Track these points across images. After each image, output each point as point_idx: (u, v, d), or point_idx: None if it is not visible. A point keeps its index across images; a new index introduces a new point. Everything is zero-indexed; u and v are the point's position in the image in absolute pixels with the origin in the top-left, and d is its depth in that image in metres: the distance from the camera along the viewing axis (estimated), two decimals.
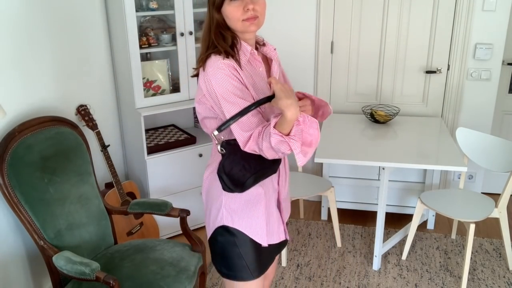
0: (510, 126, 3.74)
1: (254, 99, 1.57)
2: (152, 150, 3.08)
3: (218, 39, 1.60)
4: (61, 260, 2.04)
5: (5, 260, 2.31)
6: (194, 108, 3.52)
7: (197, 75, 1.69)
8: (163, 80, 3.15)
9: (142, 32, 3.05)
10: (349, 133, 3.07)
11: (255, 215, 1.68)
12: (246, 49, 1.64)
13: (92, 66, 3.01)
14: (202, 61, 1.61)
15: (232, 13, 1.56)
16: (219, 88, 1.55)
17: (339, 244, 3.23)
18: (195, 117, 3.58)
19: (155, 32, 3.09)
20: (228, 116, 1.53)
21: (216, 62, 1.56)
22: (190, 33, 3.04)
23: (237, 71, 1.58)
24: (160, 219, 3.15)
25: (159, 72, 3.14)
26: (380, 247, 2.93)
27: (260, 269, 1.72)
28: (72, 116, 2.81)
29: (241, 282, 1.71)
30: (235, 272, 1.70)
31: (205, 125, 1.70)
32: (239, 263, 1.68)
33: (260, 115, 1.57)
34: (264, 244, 1.70)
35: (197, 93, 1.66)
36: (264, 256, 1.74)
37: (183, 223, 2.41)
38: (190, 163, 3.20)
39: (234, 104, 1.53)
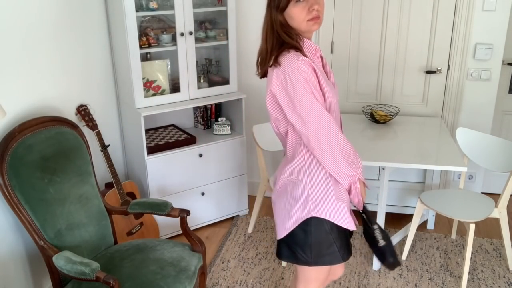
0: (510, 126, 3.74)
1: (323, 98, 1.73)
2: (152, 150, 3.08)
3: (286, 37, 1.73)
4: (61, 260, 2.04)
5: (5, 260, 2.31)
6: (194, 108, 3.54)
7: (265, 75, 1.82)
8: (163, 80, 3.15)
9: (142, 32, 3.05)
10: (349, 133, 3.07)
11: (339, 204, 1.80)
12: (310, 45, 1.79)
13: (92, 66, 3.01)
14: (274, 60, 1.73)
15: (297, 14, 1.69)
16: (300, 89, 1.68)
17: None
18: (195, 117, 3.58)
19: (155, 32, 3.09)
20: (296, 118, 1.71)
21: (294, 58, 1.68)
22: (190, 33, 3.04)
23: (314, 68, 1.71)
24: (160, 219, 3.16)
25: (159, 72, 3.14)
26: None
27: (349, 252, 1.89)
28: (72, 116, 2.81)
29: (326, 266, 1.89)
30: (323, 258, 1.83)
31: (277, 126, 1.84)
32: (330, 249, 1.82)
33: None
34: (352, 228, 1.85)
35: (269, 94, 1.78)
36: (348, 240, 1.91)
37: (183, 223, 2.41)
38: (190, 163, 3.20)
39: (313, 110, 1.69)
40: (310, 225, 1.80)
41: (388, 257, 1.91)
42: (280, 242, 1.89)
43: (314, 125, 1.71)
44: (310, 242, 1.81)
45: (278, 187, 1.87)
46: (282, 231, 1.85)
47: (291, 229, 1.82)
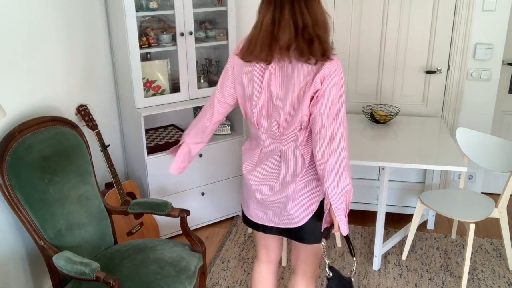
0: (510, 126, 3.75)
1: None
2: (152, 150, 3.08)
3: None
4: (61, 260, 2.04)
5: (5, 260, 2.31)
6: (194, 108, 3.54)
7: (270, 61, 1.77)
8: (163, 80, 3.15)
9: (142, 32, 3.05)
10: (349, 133, 3.07)
11: None
12: None
13: (92, 66, 3.01)
14: (327, 53, 1.70)
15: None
16: (341, 93, 1.75)
17: (339, 244, 3.23)
18: (195, 117, 3.57)
19: (155, 32, 3.09)
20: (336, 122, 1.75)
21: (340, 65, 1.73)
22: (190, 33, 3.04)
23: None
24: (160, 219, 3.16)
25: (159, 72, 3.14)
26: (380, 247, 2.93)
27: None
28: (72, 116, 2.81)
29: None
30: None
31: (301, 121, 1.79)
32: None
33: None
34: None
35: (310, 89, 1.72)
36: None
37: (183, 223, 2.41)
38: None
39: (344, 115, 1.79)
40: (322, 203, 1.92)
41: None
42: (303, 228, 1.93)
43: (341, 130, 1.77)
44: (320, 228, 1.94)
45: (301, 184, 1.88)
46: (304, 218, 1.91)
47: (314, 210, 1.90)
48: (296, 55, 1.71)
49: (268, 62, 1.75)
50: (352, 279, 1.98)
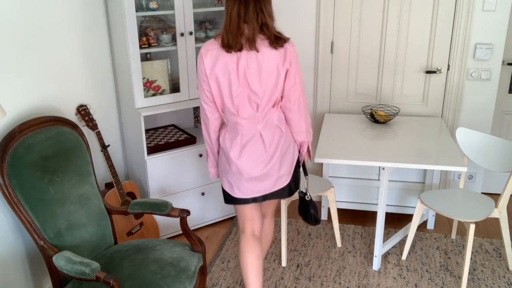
0: (510, 126, 3.75)
1: None
2: (152, 150, 3.08)
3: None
4: (61, 260, 2.05)
5: (5, 260, 2.31)
6: (194, 108, 3.54)
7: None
8: (163, 80, 3.16)
9: (142, 32, 3.05)
10: (349, 133, 3.07)
11: None
12: None
13: (92, 66, 3.01)
14: (282, 43, 2.10)
15: None
16: (298, 66, 2.17)
17: (339, 244, 3.23)
18: (195, 117, 3.58)
19: (155, 32, 3.09)
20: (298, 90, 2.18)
21: (294, 45, 2.16)
22: (190, 33, 3.04)
23: None
24: (160, 219, 3.16)
25: (159, 72, 3.14)
26: (380, 247, 2.93)
27: None
28: (72, 116, 2.81)
29: None
30: None
31: (273, 94, 2.14)
32: None
33: None
34: None
35: (284, 68, 2.12)
36: None
37: (183, 223, 2.41)
38: (190, 163, 3.20)
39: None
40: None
41: (311, 208, 2.43)
42: (289, 184, 2.31)
43: (303, 91, 2.23)
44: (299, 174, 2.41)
45: (285, 147, 2.25)
46: (291, 172, 2.29)
47: (294, 165, 2.32)
48: (263, 44, 2.05)
49: (239, 50, 2.04)
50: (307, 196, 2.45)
